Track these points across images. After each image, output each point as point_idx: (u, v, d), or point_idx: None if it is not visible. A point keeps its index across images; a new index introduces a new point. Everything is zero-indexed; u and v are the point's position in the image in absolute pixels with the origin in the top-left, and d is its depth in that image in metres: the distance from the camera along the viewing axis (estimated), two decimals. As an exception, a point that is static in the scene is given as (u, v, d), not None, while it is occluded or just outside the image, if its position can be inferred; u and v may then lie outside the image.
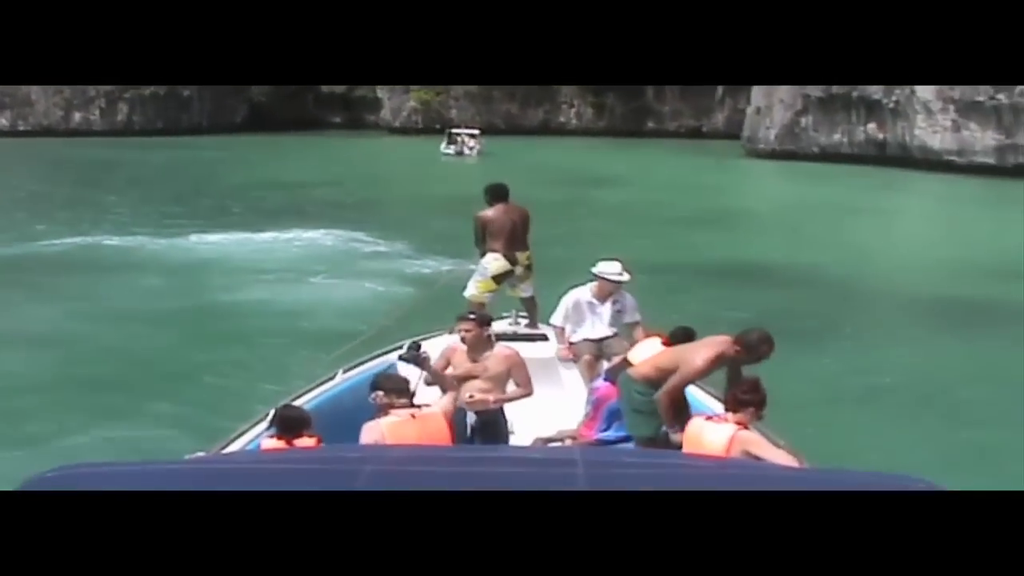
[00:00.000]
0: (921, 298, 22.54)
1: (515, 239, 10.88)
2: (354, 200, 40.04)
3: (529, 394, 8.20)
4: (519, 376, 8.13)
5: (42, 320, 18.55)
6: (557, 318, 10.02)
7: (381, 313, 15.86)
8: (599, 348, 9.79)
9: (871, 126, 62.02)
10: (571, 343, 9.93)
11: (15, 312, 19.35)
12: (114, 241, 28.97)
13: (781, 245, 29.79)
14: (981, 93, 54.16)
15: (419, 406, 7.14)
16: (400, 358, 8.22)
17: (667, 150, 69.19)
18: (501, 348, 8.30)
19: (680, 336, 8.15)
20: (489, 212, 10.92)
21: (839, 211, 38.65)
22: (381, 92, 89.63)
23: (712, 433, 6.76)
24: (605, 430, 8.30)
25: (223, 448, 7.28)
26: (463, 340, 8.12)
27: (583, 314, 9.94)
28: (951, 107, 56.66)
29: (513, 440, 8.26)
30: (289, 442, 6.60)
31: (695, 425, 7.02)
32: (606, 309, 9.90)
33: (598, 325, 9.90)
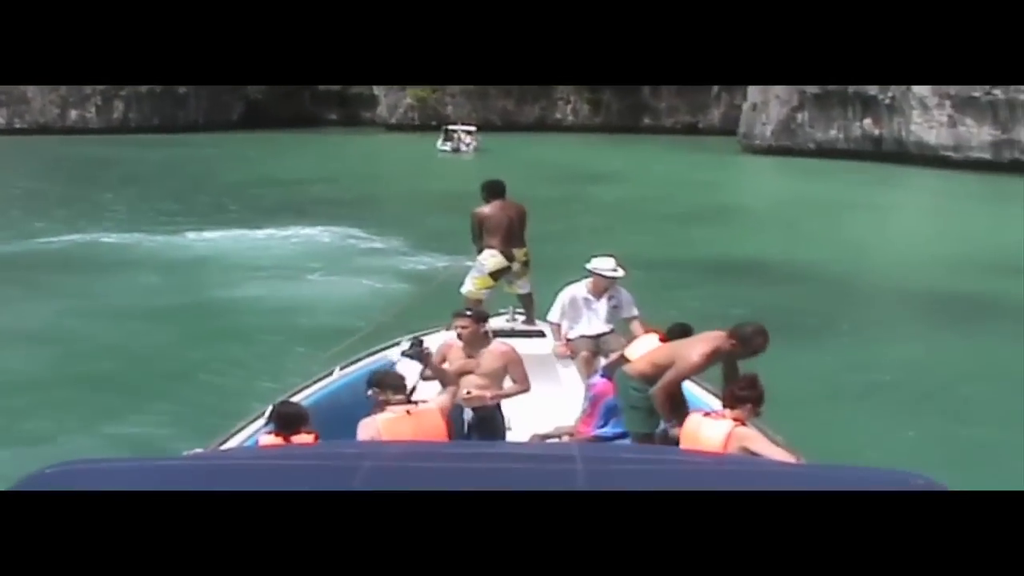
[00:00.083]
0: (918, 294, 22.56)
1: (512, 235, 10.88)
2: (351, 197, 40.04)
3: (526, 390, 8.21)
4: (516, 372, 8.14)
5: (39, 317, 18.54)
6: (554, 315, 10.02)
7: (378, 310, 15.87)
8: (596, 344, 9.79)
9: (867, 122, 62.08)
10: (568, 340, 9.93)
11: (12, 310, 19.33)
12: (111, 239, 28.96)
13: (778, 241, 29.81)
14: (977, 89, 54.16)
15: (415, 402, 7.15)
16: (403, 354, 8.23)
17: (663, 146, 69.22)
18: (497, 344, 8.30)
19: (677, 332, 8.16)
20: (486, 209, 10.92)
21: (835, 207, 38.67)
22: (377, 89, 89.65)
23: (709, 429, 6.77)
24: (602, 426, 8.30)
25: (221, 444, 7.28)
26: (460, 337, 8.13)
27: (579, 310, 9.93)
28: (947, 103, 56.71)
29: (510, 436, 8.27)
30: (287, 438, 6.61)
31: (693, 421, 7.03)
32: (602, 305, 9.90)
33: (594, 321, 9.90)
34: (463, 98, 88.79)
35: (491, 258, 10.82)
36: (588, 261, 9.99)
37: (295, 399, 7.85)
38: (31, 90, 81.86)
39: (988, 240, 29.49)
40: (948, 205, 41.22)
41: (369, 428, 6.77)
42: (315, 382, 8.77)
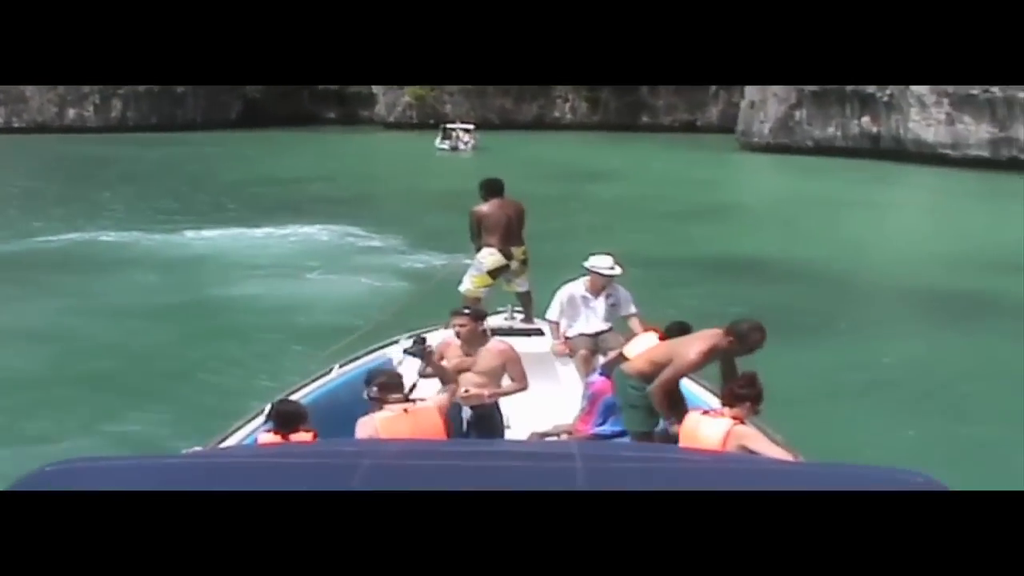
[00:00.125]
0: (916, 292, 22.56)
1: (510, 234, 10.88)
2: (349, 195, 40.04)
3: (524, 388, 8.21)
4: (513, 370, 8.14)
5: (37, 316, 18.54)
6: (552, 313, 10.01)
7: (377, 308, 15.87)
8: (595, 343, 9.79)
9: (865, 119, 62.13)
10: (567, 338, 9.93)
11: (10, 309, 19.32)
12: (109, 237, 28.95)
13: (776, 239, 29.81)
14: (975, 87, 54.18)
15: (413, 400, 7.16)
16: (406, 351, 8.24)
17: (661, 144, 69.22)
18: (495, 343, 8.30)
19: (675, 331, 8.16)
20: (484, 207, 10.92)
21: (833, 205, 38.68)
22: (376, 88, 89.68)
23: (708, 428, 6.77)
24: (601, 424, 8.30)
25: (220, 443, 7.29)
26: (457, 335, 8.13)
27: (577, 309, 9.93)
28: (945, 100, 56.75)
29: (509, 435, 8.27)
30: (285, 436, 6.61)
31: (691, 420, 7.03)
32: (600, 303, 9.90)
33: (592, 319, 9.90)
34: (461, 96, 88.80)
35: (489, 256, 10.82)
36: (586, 259, 9.99)
37: (294, 397, 7.85)
38: (29, 89, 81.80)
39: (986, 238, 29.51)
40: (946, 203, 41.23)
41: (367, 427, 6.77)
42: (314, 380, 8.77)
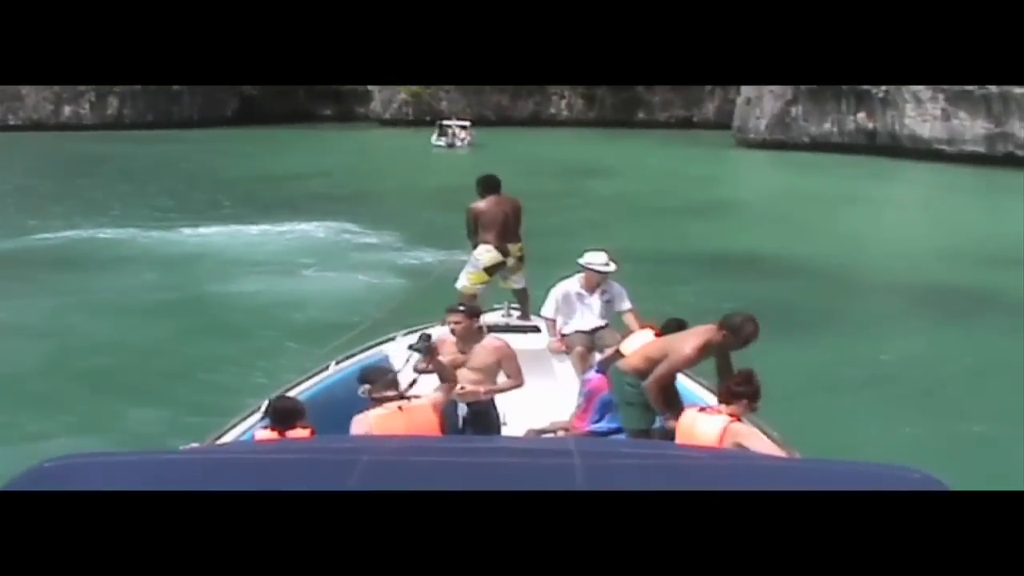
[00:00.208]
0: (912, 287, 22.59)
1: (507, 230, 10.87)
2: (346, 192, 40.01)
3: (519, 385, 8.20)
4: (509, 367, 8.13)
5: (33, 313, 18.54)
6: (548, 310, 10.01)
7: (373, 305, 15.87)
8: (591, 339, 9.79)
9: (861, 115, 62.14)
10: (563, 335, 9.93)
11: (6, 306, 19.32)
12: (105, 235, 28.94)
13: (772, 235, 29.82)
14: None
15: (408, 398, 7.15)
16: (410, 347, 8.23)
17: (658, 140, 69.22)
18: (491, 339, 8.29)
19: (672, 327, 8.15)
20: (481, 204, 10.92)
21: (830, 201, 38.69)
22: (371, 85, 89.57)
23: (705, 425, 6.77)
24: (597, 421, 8.30)
25: (217, 439, 7.28)
26: (453, 332, 8.12)
27: (573, 306, 9.93)
28: (941, 96, 56.78)
29: (505, 432, 8.26)
30: (282, 433, 6.61)
31: (688, 417, 7.02)
32: (595, 300, 9.89)
33: (588, 316, 9.90)
34: (457, 93, 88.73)
35: (486, 253, 10.82)
36: (581, 256, 9.99)
37: (291, 394, 7.84)
38: (25, 87, 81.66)
39: (982, 233, 29.53)
40: (942, 198, 41.26)
41: (362, 424, 6.77)
42: (311, 377, 8.77)
